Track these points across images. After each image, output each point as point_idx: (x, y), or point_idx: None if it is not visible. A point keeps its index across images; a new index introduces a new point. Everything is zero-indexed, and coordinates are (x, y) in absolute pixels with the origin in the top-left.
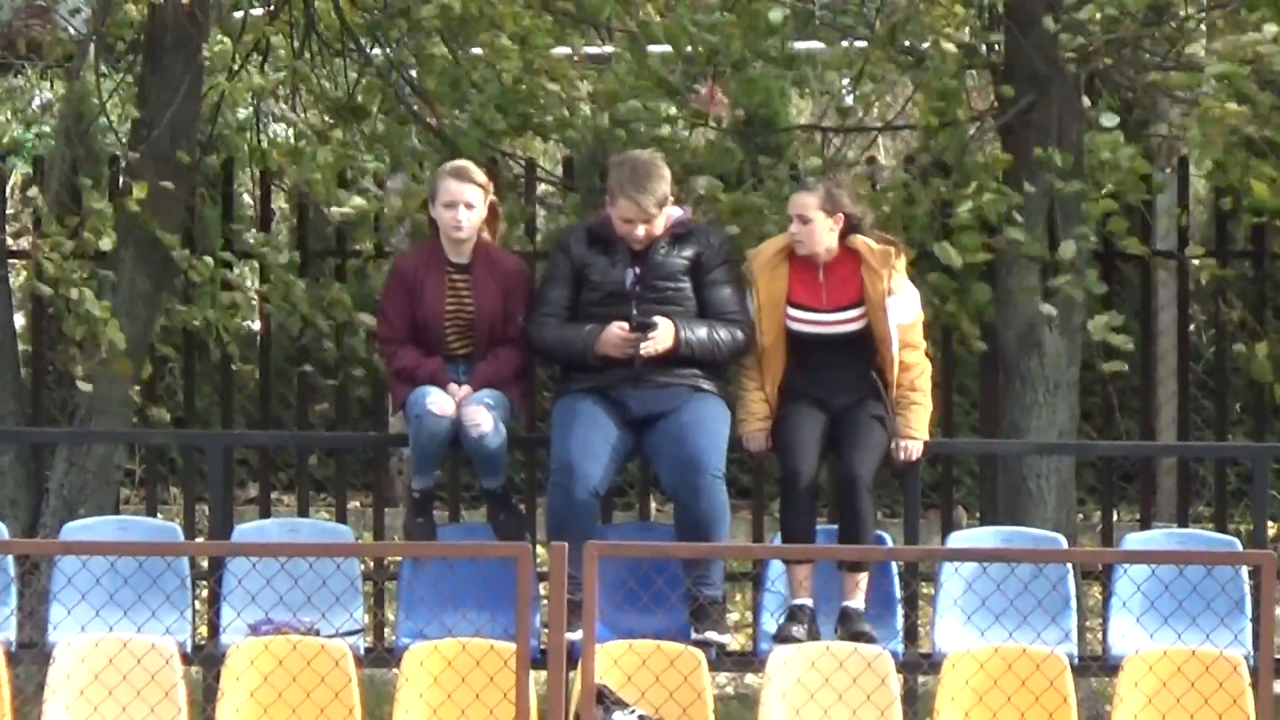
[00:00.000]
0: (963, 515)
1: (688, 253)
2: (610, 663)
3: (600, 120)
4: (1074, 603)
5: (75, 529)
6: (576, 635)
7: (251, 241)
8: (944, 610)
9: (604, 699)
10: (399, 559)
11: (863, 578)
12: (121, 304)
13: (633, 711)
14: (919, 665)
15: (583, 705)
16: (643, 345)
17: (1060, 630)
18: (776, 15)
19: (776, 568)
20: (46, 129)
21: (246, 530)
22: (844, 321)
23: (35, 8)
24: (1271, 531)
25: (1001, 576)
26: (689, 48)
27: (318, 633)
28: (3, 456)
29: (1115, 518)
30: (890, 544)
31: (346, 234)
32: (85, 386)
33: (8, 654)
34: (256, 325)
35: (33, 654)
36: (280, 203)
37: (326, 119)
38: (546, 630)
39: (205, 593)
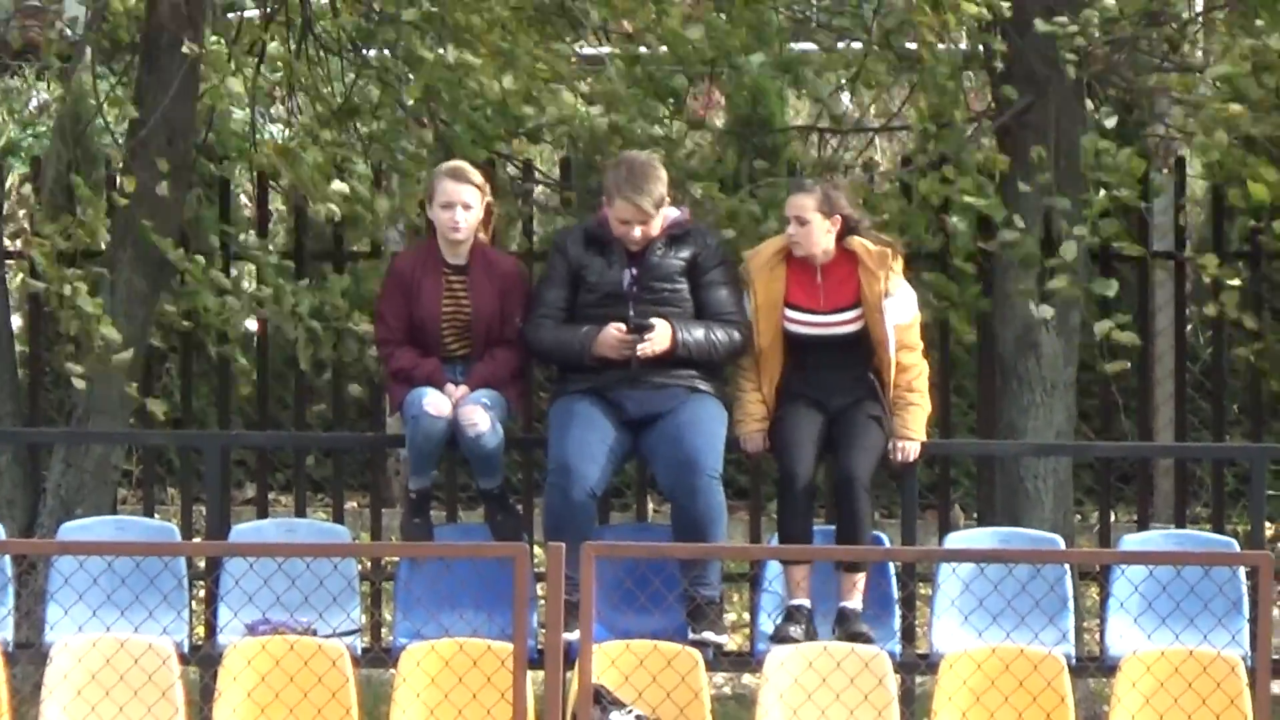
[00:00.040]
0: (960, 516)
1: (685, 254)
2: (607, 663)
3: (596, 122)
4: (1071, 603)
5: (72, 529)
6: (574, 635)
7: (245, 242)
8: (941, 611)
9: (601, 699)
10: (396, 559)
11: (860, 578)
12: (119, 304)
13: (630, 712)
14: (916, 666)
15: (580, 705)
16: (639, 346)
17: (1058, 631)
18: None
19: (774, 568)
20: (44, 129)
21: (244, 530)
22: (841, 323)
23: (30, 8)
24: (1269, 532)
25: (999, 577)
26: (689, 46)
27: (315, 633)
28: (0, 457)
29: (1113, 518)
30: (888, 544)
31: (343, 234)
32: (79, 384)
33: (5, 654)
34: (254, 326)
35: (30, 654)
36: (278, 204)
37: (318, 118)
38: (544, 630)
39: (202, 593)
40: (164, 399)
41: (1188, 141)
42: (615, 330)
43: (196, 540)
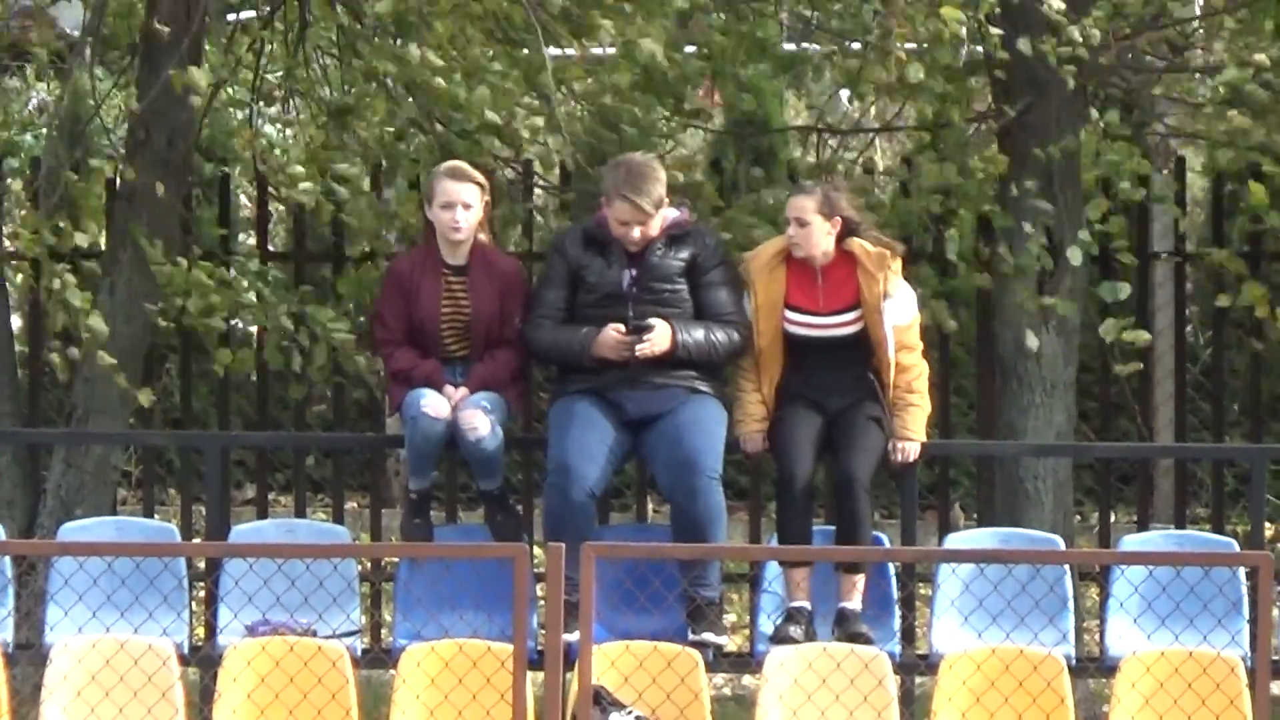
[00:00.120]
0: (960, 516)
1: (684, 254)
2: (607, 664)
3: (590, 123)
4: (1071, 604)
5: (72, 530)
6: (573, 636)
7: (229, 247)
8: (941, 611)
9: (601, 700)
10: (396, 560)
11: (860, 579)
12: (119, 304)
13: (630, 712)
14: (916, 666)
15: (580, 706)
16: (638, 347)
17: (1057, 631)
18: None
19: (773, 569)
20: (44, 130)
21: (244, 531)
22: (841, 324)
23: (27, 8)
24: (1269, 532)
25: (999, 577)
26: (688, 46)
27: (315, 634)
28: (0, 457)
29: (1113, 519)
30: (887, 545)
31: (343, 236)
32: (64, 376)
33: (5, 655)
34: (254, 326)
35: (30, 655)
36: (278, 204)
37: (314, 120)
38: (543, 631)
39: (202, 594)
40: (163, 400)
41: (1190, 142)
42: (614, 331)
43: (196, 541)
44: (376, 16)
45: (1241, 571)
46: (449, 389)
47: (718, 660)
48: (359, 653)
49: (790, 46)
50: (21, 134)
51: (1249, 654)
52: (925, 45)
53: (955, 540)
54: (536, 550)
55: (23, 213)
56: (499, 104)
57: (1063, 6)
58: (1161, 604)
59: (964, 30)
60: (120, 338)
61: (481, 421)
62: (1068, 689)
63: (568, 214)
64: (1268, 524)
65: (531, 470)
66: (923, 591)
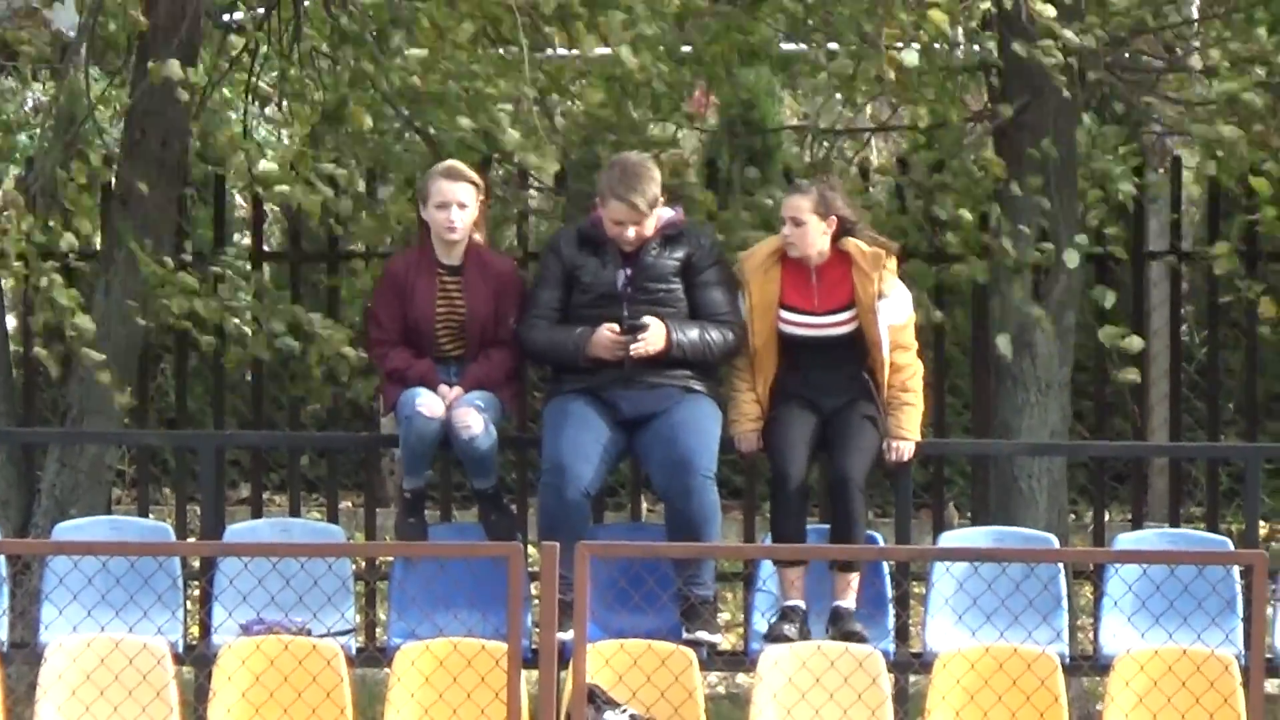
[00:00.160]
0: (954, 515)
1: (679, 254)
2: (602, 662)
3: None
4: (1065, 602)
5: (67, 529)
6: (568, 635)
7: (214, 250)
8: (935, 610)
9: (595, 699)
10: (391, 559)
11: (854, 577)
12: (115, 305)
13: (624, 711)
14: (910, 665)
15: (574, 705)
16: (633, 347)
17: (1051, 630)
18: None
19: (768, 567)
20: (39, 131)
21: (238, 530)
22: (836, 324)
23: (23, 9)
24: (1263, 531)
25: (993, 576)
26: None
27: (309, 633)
28: None
29: (1107, 517)
30: (882, 544)
31: (339, 236)
32: (55, 370)
33: (0, 654)
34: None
35: (24, 654)
36: (272, 205)
37: (306, 121)
38: (538, 630)
39: (197, 593)
40: (159, 398)
41: (1186, 141)
42: (609, 331)
43: (191, 540)
44: (364, 9)
45: (1236, 570)
46: (443, 388)
47: (712, 659)
48: (354, 651)
49: (789, 46)
50: (17, 136)
51: (1243, 652)
52: (918, 46)
53: (950, 539)
54: (531, 549)
55: (9, 212)
56: (477, 107)
57: (1054, 13)
58: (1156, 602)
59: (955, 31)
60: (116, 338)
61: (475, 420)
62: (1062, 687)
63: (559, 217)
64: (1262, 523)
65: (526, 470)
66: (917, 590)
